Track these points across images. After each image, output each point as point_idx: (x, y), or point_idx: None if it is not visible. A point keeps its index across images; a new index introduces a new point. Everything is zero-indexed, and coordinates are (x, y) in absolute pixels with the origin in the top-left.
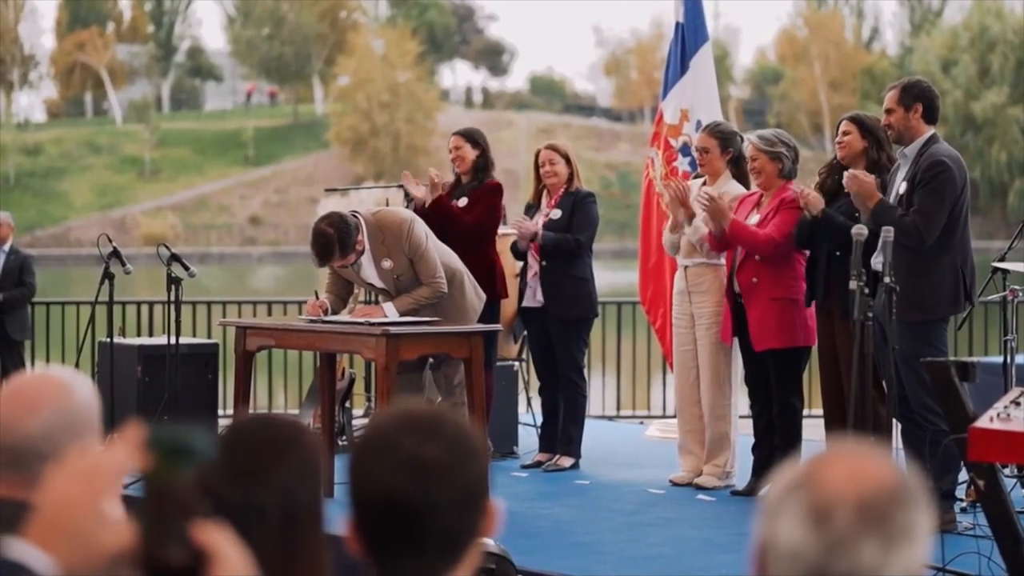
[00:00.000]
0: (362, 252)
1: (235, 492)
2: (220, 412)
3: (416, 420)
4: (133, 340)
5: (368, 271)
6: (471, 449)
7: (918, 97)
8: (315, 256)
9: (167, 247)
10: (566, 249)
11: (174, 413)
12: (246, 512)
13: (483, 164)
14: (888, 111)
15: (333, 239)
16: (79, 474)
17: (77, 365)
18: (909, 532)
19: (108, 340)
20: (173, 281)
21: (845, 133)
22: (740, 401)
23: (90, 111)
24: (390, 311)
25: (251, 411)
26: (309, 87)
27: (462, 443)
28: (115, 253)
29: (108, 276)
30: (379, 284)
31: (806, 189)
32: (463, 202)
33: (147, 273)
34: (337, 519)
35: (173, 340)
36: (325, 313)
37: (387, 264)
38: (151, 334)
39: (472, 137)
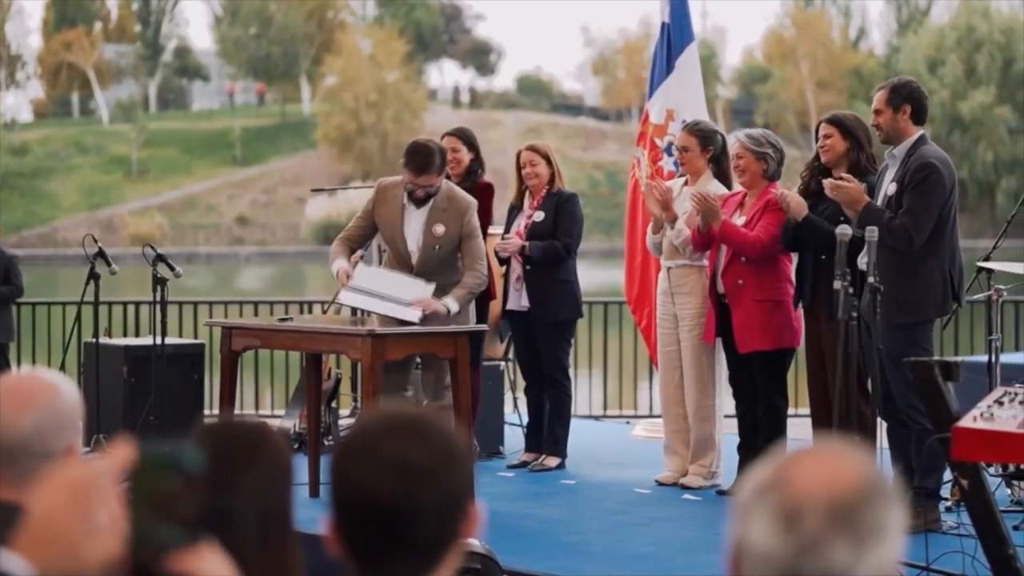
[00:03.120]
0: (436, 189)
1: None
2: (206, 412)
3: (400, 423)
4: (119, 340)
5: (415, 224)
6: (454, 453)
7: (907, 98)
8: (412, 165)
9: (153, 247)
10: (555, 256)
11: (160, 413)
12: (215, 518)
13: (475, 166)
14: (877, 111)
15: (436, 152)
16: (67, 485)
17: (63, 365)
18: (880, 531)
19: (94, 340)
20: (159, 281)
21: (827, 136)
22: (725, 401)
23: (77, 111)
24: (452, 306)
25: (232, 412)
26: (296, 87)
27: (446, 447)
28: (100, 253)
29: (94, 276)
30: (412, 242)
31: (787, 193)
32: None
33: (134, 273)
34: (318, 519)
35: (159, 340)
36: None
37: (439, 229)
38: (137, 334)
39: (467, 139)
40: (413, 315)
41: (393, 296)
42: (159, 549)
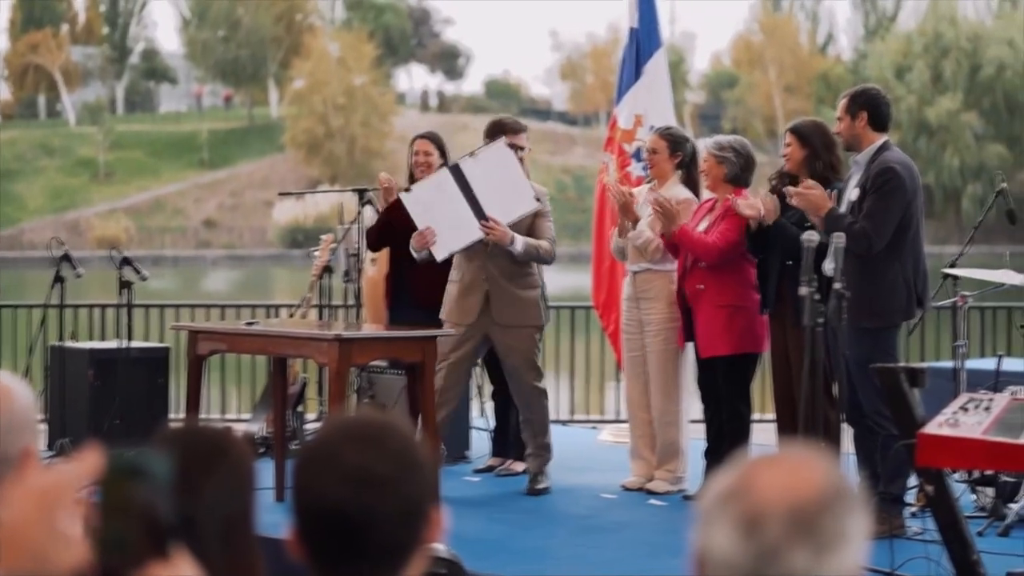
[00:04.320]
0: (517, 158)
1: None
2: (172, 416)
3: (360, 431)
4: (84, 344)
5: None
6: (415, 459)
7: (864, 105)
8: (485, 137)
9: (119, 250)
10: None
11: (125, 417)
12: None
13: None
14: (838, 118)
15: (506, 124)
16: (36, 493)
17: (28, 369)
18: (841, 538)
19: (59, 344)
20: (125, 284)
21: (787, 145)
22: (692, 406)
23: (43, 113)
24: (518, 243)
25: (198, 417)
26: (264, 90)
27: (406, 453)
28: (66, 256)
29: (59, 279)
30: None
31: (757, 200)
32: None
33: (100, 276)
34: (283, 524)
35: (124, 344)
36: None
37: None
38: (103, 338)
39: (439, 144)
40: (476, 231)
41: (458, 214)
42: (128, 556)
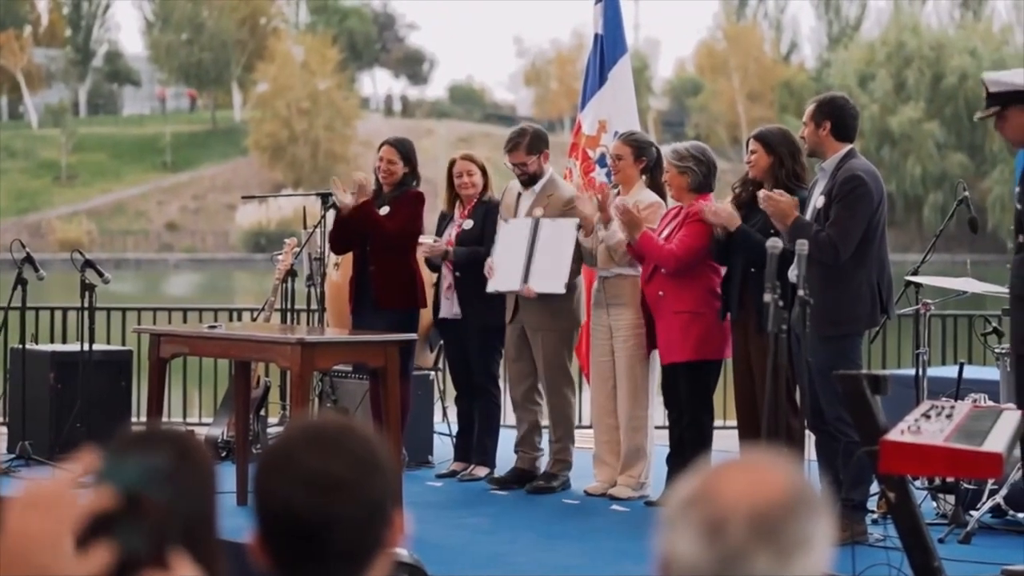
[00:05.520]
0: (534, 171)
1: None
2: (134, 419)
3: (320, 434)
4: (46, 347)
5: (524, 207)
6: (375, 463)
7: (828, 115)
8: (505, 147)
9: (81, 253)
10: (478, 263)
11: (87, 420)
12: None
13: (409, 178)
14: (804, 124)
15: (526, 133)
16: (40, 506)
17: None
18: (804, 543)
19: (20, 347)
20: (87, 287)
21: (752, 152)
22: (656, 412)
23: (6, 115)
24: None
25: (160, 420)
26: (228, 93)
27: (366, 457)
28: (28, 259)
29: (21, 282)
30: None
31: (717, 206)
32: (385, 210)
33: (61, 279)
34: (245, 528)
35: (86, 347)
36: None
37: (538, 212)
38: (64, 341)
39: (405, 151)
40: (517, 286)
41: (515, 262)
42: (128, 560)
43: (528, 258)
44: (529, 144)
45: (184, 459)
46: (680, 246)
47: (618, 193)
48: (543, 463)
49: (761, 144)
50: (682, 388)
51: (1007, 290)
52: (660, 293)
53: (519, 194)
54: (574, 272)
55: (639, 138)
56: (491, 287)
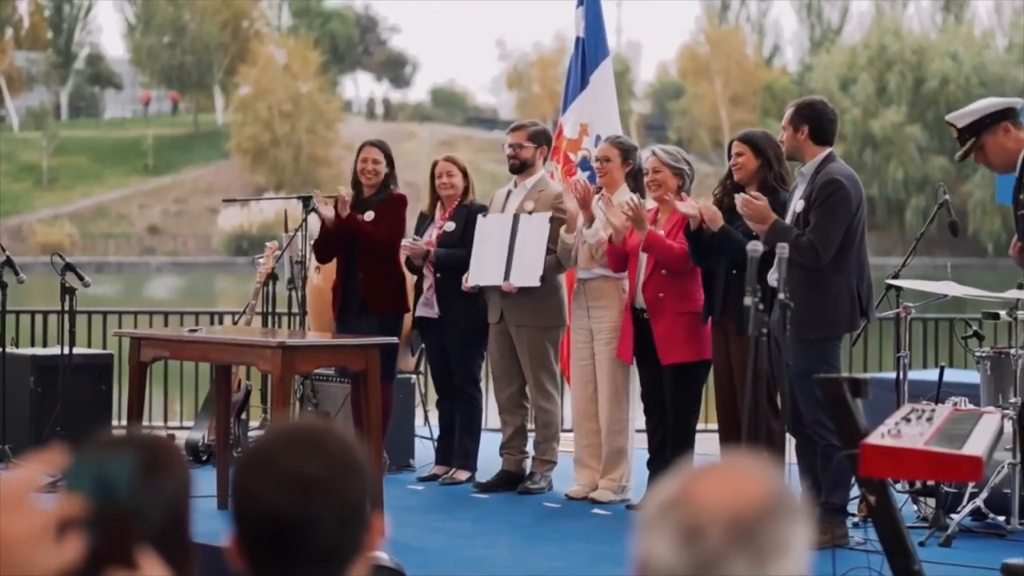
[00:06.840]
0: (528, 157)
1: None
2: (115, 423)
3: (298, 436)
4: (26, 350)
5: (514, 201)
6: (353, 465)
7: (806, 119)
8: (511, 128)
9: (61, 256)
10: (460, 263)
11: (67, 424)
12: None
13: (389, 180)
14: (783, 127)
15: (538, 124)
16: (12, 504)
17: None
18: (782, 547)
19: (0, 350)
20: (67, 291)
21: (739, 154)
22: (637, 415)
23: None
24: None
25: (140, 424)
26: (210, 96)
27: (344, 459)
28: (8, 262)
29: (1, 285)
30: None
31: (701, 205)
32: (369, 216)
33: (42, 282)
34: (225, 531)
35: (67, 350)
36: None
37: (528, 206)
38: (45, 344)
39: (387, 152)
40: (499, 280)
41: (496, 256)
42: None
43: (509, 254)
44: (533, 133)
45: (156, 463)
46: (684, 247)
47: (602, 195)
48: (529, 464)
49: (749, 147)
50: (671, 390)
51: (987, 293)
52: (660, 295)
53: (508, 191)
54: (552, 267)
55: (626, 142)
56: (471, 281)
